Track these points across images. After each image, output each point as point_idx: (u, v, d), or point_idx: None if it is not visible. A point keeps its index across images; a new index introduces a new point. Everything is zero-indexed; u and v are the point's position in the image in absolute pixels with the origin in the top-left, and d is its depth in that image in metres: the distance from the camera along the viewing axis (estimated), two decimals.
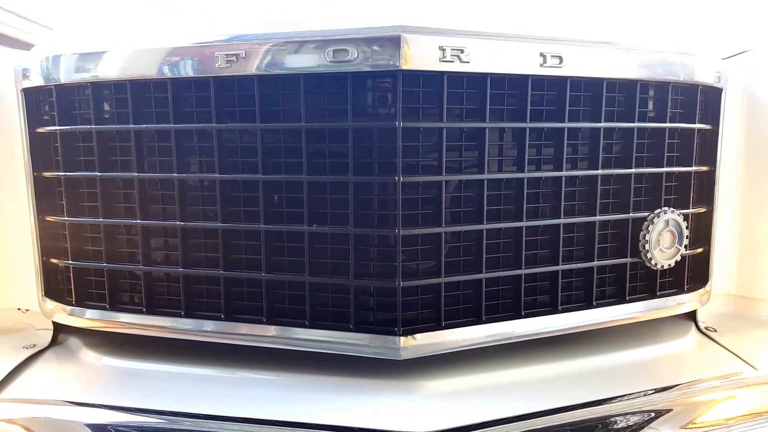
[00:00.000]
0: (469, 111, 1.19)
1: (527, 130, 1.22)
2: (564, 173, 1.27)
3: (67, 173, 1.32)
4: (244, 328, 1.24)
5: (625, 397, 1.21)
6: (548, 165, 1.28)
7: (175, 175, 1.23)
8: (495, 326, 1.24)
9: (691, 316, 1.58)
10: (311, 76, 1.12)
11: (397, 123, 1.10)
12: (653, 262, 1.39)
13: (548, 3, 1.37)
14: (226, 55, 1.14)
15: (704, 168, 1.47)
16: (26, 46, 1.62)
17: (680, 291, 1.48)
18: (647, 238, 1.38)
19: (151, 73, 1.21)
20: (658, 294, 1.44)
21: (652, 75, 1.32)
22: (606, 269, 1.38)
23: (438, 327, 1.20)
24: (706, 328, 1.56)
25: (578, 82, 1.26)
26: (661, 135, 1.38)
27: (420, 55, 1.08)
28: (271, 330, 1.22)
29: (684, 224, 1.41)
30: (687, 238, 1.41)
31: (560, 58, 1.20)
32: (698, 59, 1.39)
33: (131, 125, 1.25)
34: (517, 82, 1.20)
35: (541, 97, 1.24)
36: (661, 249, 1.40)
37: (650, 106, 1.37)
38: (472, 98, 1.19)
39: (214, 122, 1.18)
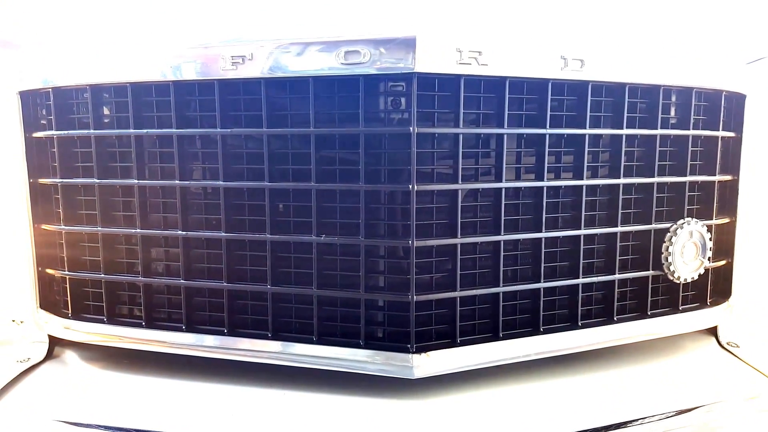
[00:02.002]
0: (486, 116, 1.14)
1: (547, 136, 1.16)
2: (585, 182, 1.21)
3: (65, 180, 1.28)
4: (248, 343, 1.18)
5: (646, 419, 1.14)
6: (567, 173, 1.23)
7: (177, 182, 1.18)
8: (513, 343, 1.18)
9: (712, 330, 1.52)
10: (321, 78, 1.07)
11: (411, 128, 1.05)
12: (676, 275, 1.33)
13: (568, 5, 1.31)
14: (232, 56, 1.09)
15: (727, 177, 1.41)
16: (23, 47, 1.56)
17: (703, 305, 1.42)
18: (670, 250, 1.32)
19: (153, 75, 1.16)
20: (680, 308, 1.38)
21: (675, 80, 1.27)
22: (627, 283, 1.32)
23: (453, 344, 1.14)
24: (728, 343, 1.49)
25: (599, 87, 1.21)
26: (684, 143, 1.32)
27: (436, 57, 1.03)
28: (277, 345, 1.17)
29: (708, 236, 1.35)
30: (710, 250, 1.35)
31: (581, 61, 1.15)
32: (722, 64, 1.34)
33: (132, 130, 1.20)
34: (537, 86, 1.15)
35: (561, 102, 1.19)
36: (684, 261, 1.34)
37: (672, 112, 1.32)
38: (489, 103, 1.13)
39: (219, 127, 1.13)
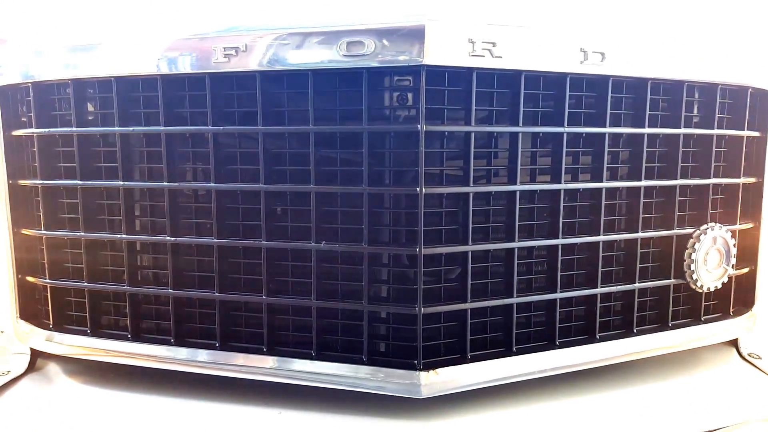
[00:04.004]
0: (499, 114, 1.06)
1: (564, 135, 1.08)
2: (605, 184, 1.14)
3: (46, 181, 1.21)
4: (242, 358, 1.10)
5: None
6: (585, 175, 1.15)
7: (165, 184, 1.11)
8: (527, 358, 1.11)
9: (733, 341, 1.44)
10: (321, 72, 0.99)
11: (419, 126, 0.97)
12: (699, 284, 1.26)
13: None
14: (224, 48, 1.01)
15: (752, 180, 1.33)
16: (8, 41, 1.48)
17: (725, 315, 1.35)
18: (693, 257, 1.24)
19: (140, 68, 1.08)
20: (702, 319, 1.30)
21: (699, 76, 1.19)
22: (647, 292, 1.25)
23: (463, 360, 1.07)
24: (749, 354, 1.42)
25: (620, 83, 1.14)
26: (707, 143, 1.25)
27: (446, 49, 0.95)
28: (272, 361, 1.09)
29: (732, 242, 1.27)
30: (734, 257, 1.27)
31: (602, 54, 1.07)
32: (748, 59, 1.26)
33: (117, 128, 1.13)
34: (554, 81, 1.07)
35: (579, 99, 1.11)
36: (707, 269, 1.26)
37: (695, 110, 1.24)
38: (502, 99, 1.05)
39: (211, 125, 1.07)
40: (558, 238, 1.11)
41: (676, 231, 1.23)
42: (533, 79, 1.05)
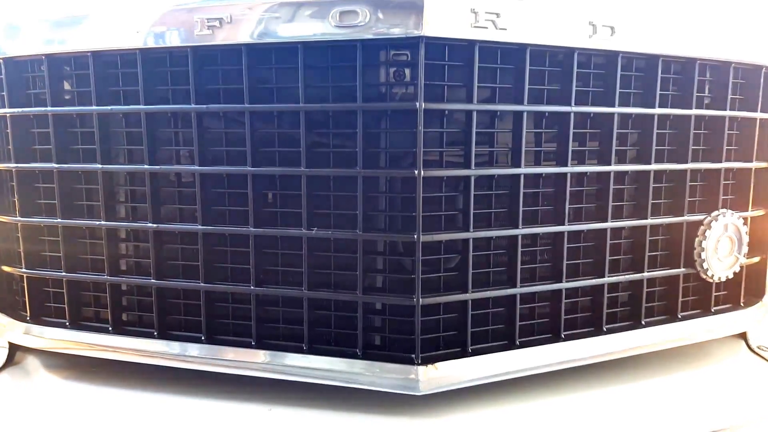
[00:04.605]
0: (503, 92, 1.00)
1: (572, 115, 1.02)
2: (613, 168, 1.08)
3: (20, 165, 1.15)
4: (229, 352, 1.05)
5: None
6: (591, 159, 1.09)
7: (146, 167, 1.06)
8: (531, 352, 1.05)
9: (741, 333, 1.39)
10: (312, 45, 0.94)
11: (417, 104, 0.91)
12: (710, 273, 1.21)
13: None
14: (208, 19, 0.95)
15: (765, 164, 1.27)
16: None
17: (736, 306, 1.30)
18: (704, 245, 1.19)
19: (118, 42, 1.03)
20: (712, 310, 1.25)
21: (711, 54, 1.14)
22: (656, 282, 1.19)
23: (464, 353, 1.02)
24: (758, 347, 1.37)
25: (629, 60, 1.08)
26: (719, 125, 1.19)
27: (447, 19, 0.89)
28: (262, 355, 1.04)
29: (744, 229, 1.21)
30: (746, 245, 1.22)
31: (611, 28, 1.01)
32: (763, 37, 1.20)
33: (94, 107, 1.07)
34: (561, 56, 1.02)
35: (587, 76, 1.05)
36: (718, 258, 1.21)
37: (706, 90, 1.18)
38: (506, 76, 0.99)
39: (194, 103, 1.01)
40: (564, 224, 1.06)
41: (686, 217, 1.18)
42: (538, 54, 1.00)
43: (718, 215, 1.19)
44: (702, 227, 1.19)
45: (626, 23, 1.02)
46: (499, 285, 1.04)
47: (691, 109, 1.14)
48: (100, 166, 1.08)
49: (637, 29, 1.04)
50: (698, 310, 1.25)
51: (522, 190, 1.01)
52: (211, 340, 1.07)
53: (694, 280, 1.24)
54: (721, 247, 1.21)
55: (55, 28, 1.06)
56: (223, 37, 0.95)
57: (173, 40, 0.98)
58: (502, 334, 1.06)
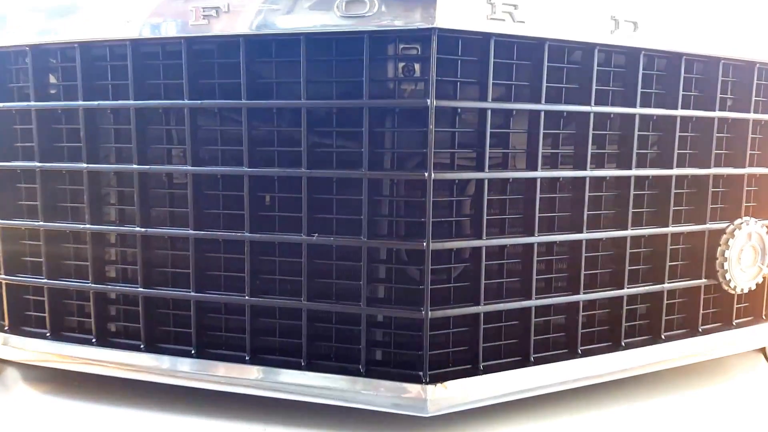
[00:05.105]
0: (519, 89, 0.95)
1: (591, 115, 0.96)
2: (633, 172, 1.02)
3: (1, 163, 1.09)
4: (221, 368, 0.98)
5: None
6: (611, 162, 1.04)
7: (135, 167, 1.00)
8: (546, 369, 0.99)
9: (761, 348, 1.33)
10: (315, 37, 0.88)
11: (428, 102, 0.85)
12: (732, 284, 1.15)
13: None
14: (203, 8, 0.89)
15: None
16: None
17: (757, 319, 1.24)
18: (726, 254, 1.13)
19: (107, 33, 0.97)
20: (734, 323, 1.19)
21: (736, 53, 1.08)
22: (675, 293, 1.13)
23: (475, 371, 0.95)
24: None
25: (650, 59, 1.02)
26: (743, 128, 1.14)
27: (461, 10, 0.83)
28: (256, 371, 0.97)
29: (767, 237, 1.15)
30: None
31: (635, 24, 0.96)
32: None
33: (80, 102, 1.01)
34: (581, 52, 0.96)
35: (606, 75, 0.99)
36: (741, 268, 1.15)
37: (729, 92, 1.13)
38: (522, 72, 0.94)
39: (187, 98, 0.95)
40: (582, 232, 0.99)
41: (708, 225, 1.12)
42: (557, 50, 0.94)
43: (741, 223, 1.14)
44: (725, 236, 1.13)
45: (649, 19, 0.97)
46: (512, 296, 0.98)
47: (714, 111, 1.08)
48: (85, 165, 1.02)
49: (661, 25, 0.98)
50: (719, 323, 1.19)
51: (538, 195, 0.95)
52: (202, 354, 1.00)
53: (715, 292, 1.17)
54: (745, 256, 1.15)
55: (40, 17, 1.00)
56: (220, 27, 0.89)
57: (166, 30, 0.93)
58: (516, 350, 0.99)
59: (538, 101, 0.93)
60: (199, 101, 0.94)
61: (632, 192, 1.02)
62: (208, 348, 1.01)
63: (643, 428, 1.03)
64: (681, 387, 1.15)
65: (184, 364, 0.99)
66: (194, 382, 1.00)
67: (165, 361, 1.01)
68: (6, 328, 1.12)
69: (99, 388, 1.09)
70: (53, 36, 0.99)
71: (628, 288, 1.05)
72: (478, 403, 0.94)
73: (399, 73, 0.90)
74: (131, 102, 0.97)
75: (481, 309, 0.94)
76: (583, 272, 1.01)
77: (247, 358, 0.98)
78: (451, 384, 0.92)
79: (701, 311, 1.15)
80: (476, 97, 0.91)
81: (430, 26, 0.81)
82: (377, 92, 0.90)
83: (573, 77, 0.97)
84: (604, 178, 1.01)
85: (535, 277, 0.97)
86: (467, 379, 0.94)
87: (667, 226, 1.07)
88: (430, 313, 0.90)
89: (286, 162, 0.94)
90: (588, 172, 0.98)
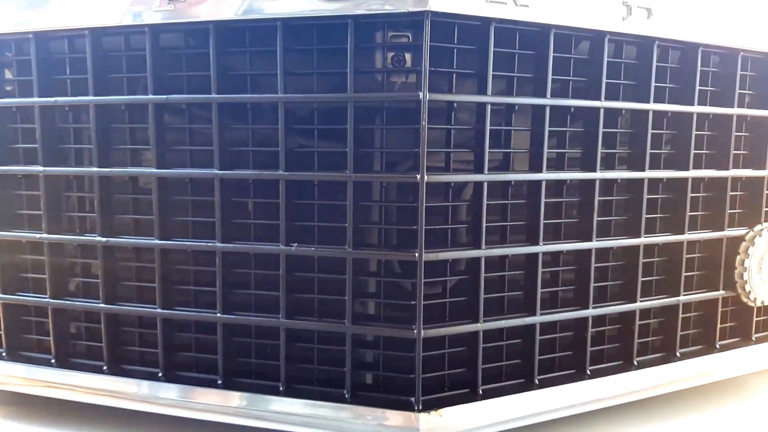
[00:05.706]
0: (521, 82, 0.86)
1: (601, 111, 0.87)
2: (646, 174, 0.94)
3: None
4: (190, 392, 0.89)
5: None
6: (621, 164, 0.96)
7: (95, 169, 0.92)
8: (552, 392, 0.90)
9: None
10: (294, 23, 0.81)
11: (420, 95, 0.77)
12: (752, 296, 1.07)
13: None
14: None
15: None
16: None
17: None
18: (746, 264, 1.04)
19: (63, 22, 0.88)
20: (753, 338, 1.11)
21: (755, 45, 1.00)
22: (691, 307, 1.06)
23: (473, 395, 0.86)
24: None
25: (664, 50, 0.94)
26: (763, 126, 1.06)
27: None
28: (230, 398, 0.87)
29: None
30: None
31: (648, 10, 0.88)
32: None
33: (36, 98, 0.94)
34: (589, 41, 0.88)
35: (617, 66, 0.91)
36: (762, 279, 1.07)
37: (749, 86, 1.05)
38: (525, 63, 0.85)
39: (151, 93, 0.87)
40: (591, 240, 0.90)
41: (726, 232, 1.04)
42: (564, 39, 0.86)
43: (762, 230, 1.06)
44: (744, 243, 1.05)
45: (664, 5, 0.88)
46: (514, 312, 0.89)
47: (732, 107, 1.00)
48: (41, 168, 0.94)
49: (676, 13, 0.90)
50: (738, 339, 1.11)
51: (543, 200, 0.86)
52: (170, 378, 0.91)
53: (734, 304, 1.10)
54: (765, 266, 1.07)
55: None
56: (187, 13, 0.81)
57: (128, 17, 0.84)
58: (518, 372, 0.91)
59: (543, 95, 0.85)
60: (164, 96, 0.85)
61: (645, 196, 0.94)
62: (175, 370, 0.92)
63: None
64: (697, 408, 1.08)
65: (150, 388, 0.90)
66: (160, 408, 0.90)
67: (130, 385, 0.91)
68: None
69: (63, 411, 1.00)
70: (6, 26, 0.91)
71: (641, 301, 0.97)
72: None
73: (388, 64, 0.82)
74: (91, 98, 0.89)
75: (479, 327, 0.85)
76: (592, 284, 0.93)
77: (219, 382, 0.89)
78: (446, 411, 0.83)
79: (719, 326, 1.07)
80: (474, 90, 0.83)
81: (422, 9, 0.73)
82: (364, 85, 0.82)
83: (581, 69, 0.88)
84: (614, 180, 0.93)
85: (539, 290, 0.89)
86: (465, 405, 0.85)
87: (683, 233, 0.99)
88: (423, 331, 0.81)
89: (262, 163, 0.86)
90: (597, 174, 0.90)
